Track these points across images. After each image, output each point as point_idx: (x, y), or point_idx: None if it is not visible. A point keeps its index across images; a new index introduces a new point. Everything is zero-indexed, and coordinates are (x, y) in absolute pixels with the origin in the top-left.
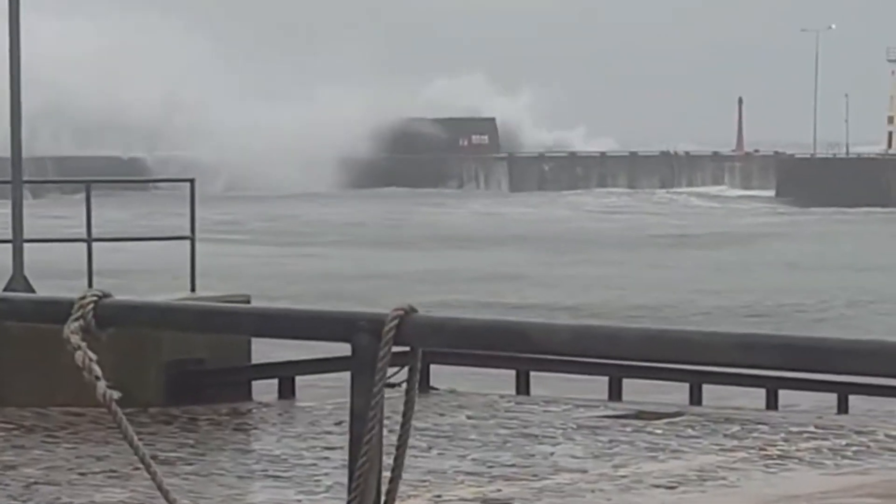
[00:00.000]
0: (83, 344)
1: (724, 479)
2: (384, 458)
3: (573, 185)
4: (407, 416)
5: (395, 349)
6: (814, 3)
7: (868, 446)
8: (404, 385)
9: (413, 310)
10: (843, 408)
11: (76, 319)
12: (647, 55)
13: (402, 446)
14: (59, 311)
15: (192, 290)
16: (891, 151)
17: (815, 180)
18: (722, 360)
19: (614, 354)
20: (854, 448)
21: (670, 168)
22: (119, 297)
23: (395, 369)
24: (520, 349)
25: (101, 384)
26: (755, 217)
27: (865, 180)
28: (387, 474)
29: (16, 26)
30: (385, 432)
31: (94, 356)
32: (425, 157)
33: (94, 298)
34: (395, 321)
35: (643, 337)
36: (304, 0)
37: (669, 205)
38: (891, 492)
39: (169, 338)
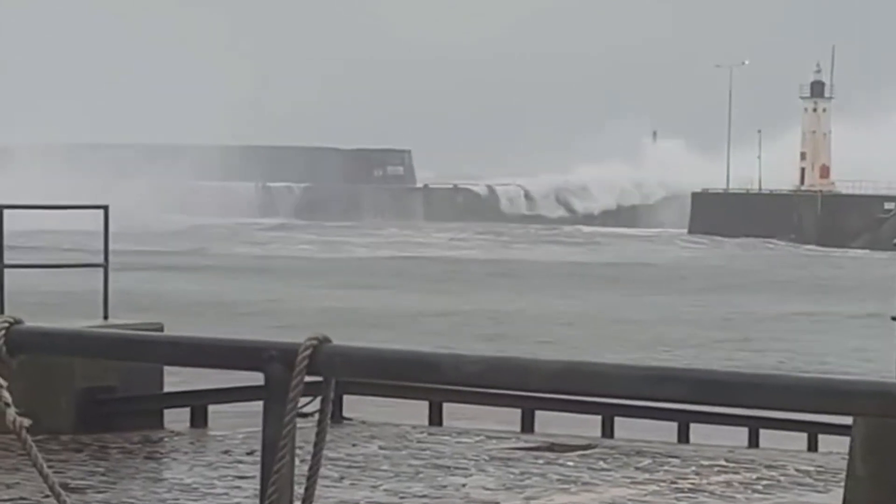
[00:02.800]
0: None
1: None
2: (296, 487)
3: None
4: (318, 446)
5: (311, 379)
6: (727, 39)
7: (779, 480)
8: (317, 415)
9: (327, 339)
10: (753, 442)
11: None
12: (534, 90)
13: (313, 476)
14: None
15: (105, 317)
16: (803, 188)
17: (727, 215)
18: (632, 393)
19: (525, 387)
20: (765, 482)
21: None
22: (30, 323)
23: (309, 399)
24: (431, 380)
25: (11, 411)
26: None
27: (772, 214)
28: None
29: None
30: (298, 462)
31: (4, 382)
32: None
33: (6, 325)
34: (308, 350)
35: (553, 370)
36: None
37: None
38: None
39: (80, 365)
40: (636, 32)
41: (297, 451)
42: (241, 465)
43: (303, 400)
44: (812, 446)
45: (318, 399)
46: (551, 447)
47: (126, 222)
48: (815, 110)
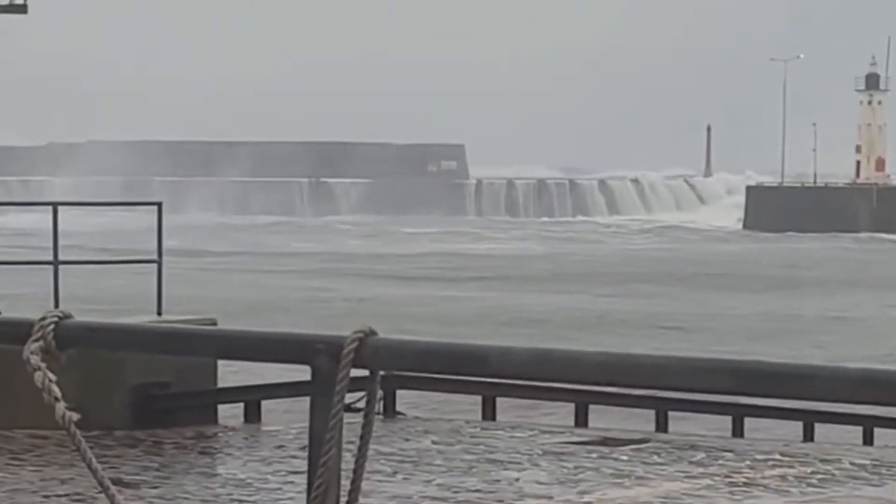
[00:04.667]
0: (43, 365)
1: None
2: (344, 481)
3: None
4: (365, 439)
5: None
6: (782, 33)
7: (833, 474)
8: (363, 403)
9: (373, 332)
10: (808, 436)
11: (36, 340)
12: (617, 82)
13: (359, 469)
14: (19, 332)
15: (159, 313)
16: (858, 181)
17: (783, 209)
18: (681, 385)
19: (573, 378)
20: (819, 476)
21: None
22: (80, 318)
23: (361, 394)
24: (478, 373)
25: (61, 406)
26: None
27: (830, 206)
28: (346, 497)
29: None
30: (347, 456)
31: (53, 377)
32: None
33: (55, 319)
34: (354, 344)
35: (598, 361)
36: None
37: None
38: None
39: (133, 360)
40: (693, 28)
41: (349, 446)
42: (294, 461)
43: (356, 395)
44: (867, 440)
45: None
46: (604, 441)
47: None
48: (870, 103)
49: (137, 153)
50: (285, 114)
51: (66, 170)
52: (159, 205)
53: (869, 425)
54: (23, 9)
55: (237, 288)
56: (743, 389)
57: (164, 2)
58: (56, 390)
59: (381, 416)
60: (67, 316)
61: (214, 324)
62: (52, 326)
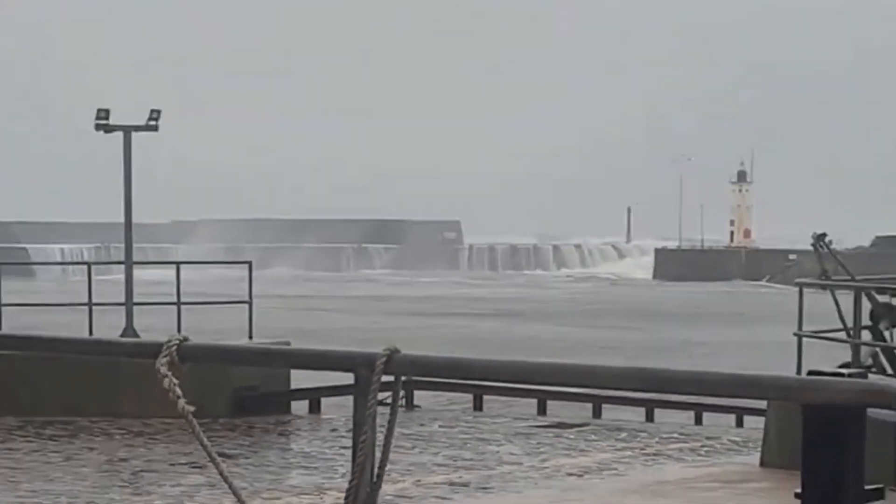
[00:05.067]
0: (169, 374)
1: (615, 469)
2: (377, 453)
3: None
4: (391, 424)
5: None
6: (682, 143)
7: (716, 448)
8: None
9: (397, 350)
10: (699, 421)
11: (164, 356)
12: (577, 169)
13: (387, 445)
14: (153, 350)
15: (250, 337)
16: (732, 245)
17: (680, 264)
18: (609, 385)
19: (535, 381)
20: (706, 449)
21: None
22: (195, 341)
23: (389, 393)
24: (469, 377)
25: (181, 401)
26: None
27: (714, 263)
28: (378, 464)
29: None
30: (380, 436)
31: (176, 381)
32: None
33: (178, 341)
34: (384, 358)
35: (556, 369)
36: None
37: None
38: (731, 479)
39: (233, 370)
40: (612, 132)
41: (381, 429)
42: (343, 439)
43: (386, 394)
44: (739, 424)
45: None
46: (558, 425)
47: (267, 273)
48: (740, 191)
49: (235, 227)
50: (340, 197)
51: (185, 240)
52: (250, 263)
53: (740, 413)
54: (155, 128)
55: (303, 319)
56: (651, 388)
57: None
58: (178, 391)
59: (403, 409)
60: (186, 339)
61: (288, 344)
62: (175, 346)
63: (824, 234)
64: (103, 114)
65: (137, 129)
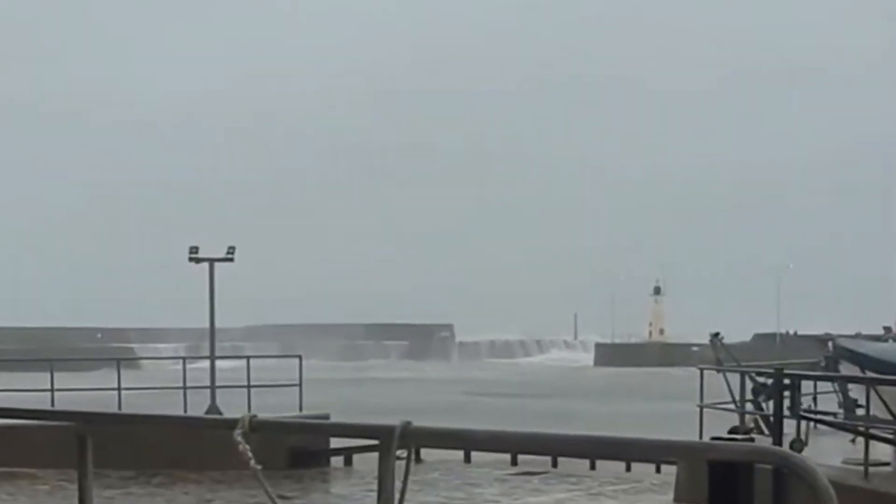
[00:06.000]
0: (242, 440)
1: None
2: (395, 495)
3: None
4: (406, 475)
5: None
6: (618, 261)
7: (641, 488)
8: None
9: (409, 422)
10: (629, 468)
11: (239, 428)
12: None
13: (403, 490)
14: (231, 424)
15: (300, 410)
16: (650, 339)
17: (614, 354)
18: (564, 451)
19: (505, 449)
20: (634, 489)
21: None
22: (262, 416)
23: (404, 451)
24: (465, 447)
25: (252, 461)
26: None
27: (638, 353)
28: None
29: None
30: (397, 483)
31: (248, 446)
32: None
33: (250, 417)
34: (400, 428)
35: (523, 438)
36: None
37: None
38: None
39: (289, 435)
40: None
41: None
42: (370, 485)
43: (399, 452)
44: (658, 470)
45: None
46: (526, 472)
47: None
48: (656, 301)
49: (286, 330)
50: (357, 301)
51: (252, 339)
52: (300, 357)
53: (658, 462)
54: (231, 260)
55: (336, 397)
56: (595, 453)
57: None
58: (249, 454)
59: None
60: (255, 416)
61: (328, 416)
62: (248, 421)
63: (718, 333)
64: (194, 250)
65: (218, 260)
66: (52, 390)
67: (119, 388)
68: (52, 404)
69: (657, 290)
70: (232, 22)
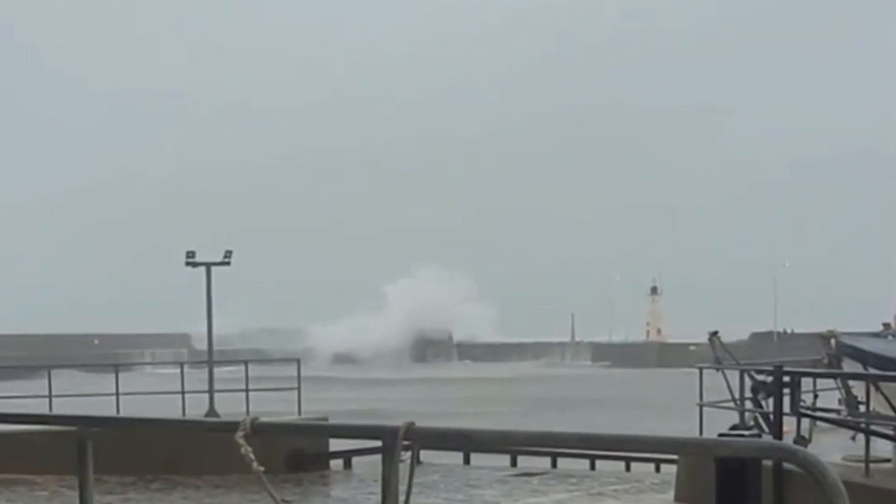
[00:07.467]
0: (244, 442)
1: None
2: (400, 496)
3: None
4: (410, 477)
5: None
6: (616, 265)
7: (641, 488)
8: (408, 459)
9: (413, 423)
10: (628, 468)
11: (241, 431)
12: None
13: (408, 492)
14: (233, 427)
15: (299, 413)
16: (649, 340)
17: (614, 354)
18: (563, 445)
19: (518, 448)
20: (635, 489)
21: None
22: (264, 419)
23: (407, 453)
24: (464, 447)
25: (254, 463)
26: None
27: (635, 353)
28: None
29: None
30: (402, 486)
31: (250, 448)
32: None
33: (251, 420)
34: (403, 428)
35: (529, 436)
36: None
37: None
38: None
39: (288, 437)
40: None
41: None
42: (369, 488)
43: (403, 454)
44: (657, 469)
45: (409, 452)
46: (526, 474)
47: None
48: (653, 301)
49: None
50: None
51: (249, 344)
52: (298, 361)
53: (658, 462)
54: (228, 264)
55: (343, 402)
56: (602, 450)
57: None
58: (251, 455)
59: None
60: (256, 418)
61: (326, 419)
62: (249, 423)
63: (716, 332)
64: (191, 254)
65: (215, 264)
66: (49, 396)
67: (117, 394)
68: (51, 409)
69: (654, 290)
70: (218, 28)
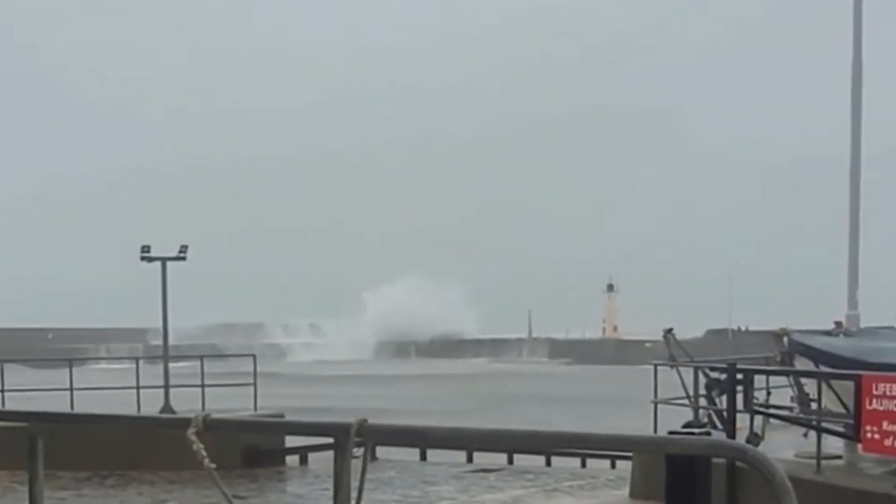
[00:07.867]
0: (196, 439)
1: (525, 502)
2: (353, 493)
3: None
4: (362, 474)
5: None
6: (572, 256)
7: (597, 484)
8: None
9: (365, 420)
10: (584, 465)
11: (193, 427)
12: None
13: (360, 489)
14: (185, 423)
15: (255, 409)
16: (604, 336)
17: (570, 350)
18: (514, 447)
19: (472, 446)
20: (590, 485)
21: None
22: (216, 415)
23: (360, 449)
24: (418, 444)
25: (206, 460)
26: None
27: (592, 350)
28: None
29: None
30: (354, 482)
31: (202, 445)
32: None
33: (203, 416)
34: (356, 426)
35: (483, 434)
36: None
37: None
38: None
39: (244, 434)
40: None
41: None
42: (325, 484)
43: (355, 450)
44: (613, 466)
45: (362, 449)
46: (482, 470)
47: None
48: (610, 299)
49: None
50: None
51: (208, 339)
52: (254, 356)
53: (613, 459)
54: (183, 259)
55: (304, 399)
56: (556, 448)
57: None
58: (203, 453)
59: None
60: (209, 415)
61: (282, 415)
62: (201, 420)
63: (671, 329)
64: (146, 248)
65: (170, 259)
66: (1, 391)
67: (71, 389)
68: (3, 405)
69: (610, 288)
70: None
